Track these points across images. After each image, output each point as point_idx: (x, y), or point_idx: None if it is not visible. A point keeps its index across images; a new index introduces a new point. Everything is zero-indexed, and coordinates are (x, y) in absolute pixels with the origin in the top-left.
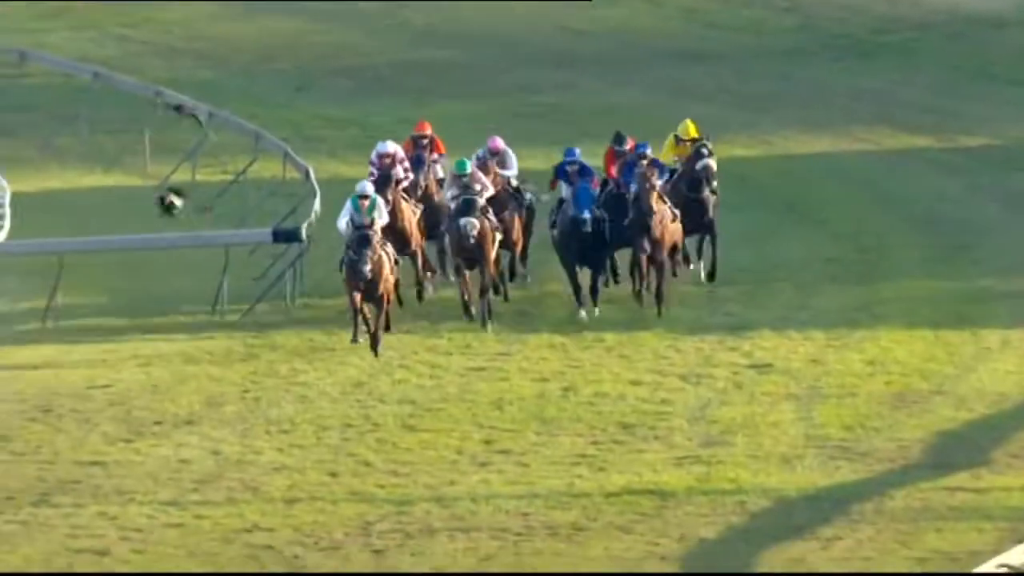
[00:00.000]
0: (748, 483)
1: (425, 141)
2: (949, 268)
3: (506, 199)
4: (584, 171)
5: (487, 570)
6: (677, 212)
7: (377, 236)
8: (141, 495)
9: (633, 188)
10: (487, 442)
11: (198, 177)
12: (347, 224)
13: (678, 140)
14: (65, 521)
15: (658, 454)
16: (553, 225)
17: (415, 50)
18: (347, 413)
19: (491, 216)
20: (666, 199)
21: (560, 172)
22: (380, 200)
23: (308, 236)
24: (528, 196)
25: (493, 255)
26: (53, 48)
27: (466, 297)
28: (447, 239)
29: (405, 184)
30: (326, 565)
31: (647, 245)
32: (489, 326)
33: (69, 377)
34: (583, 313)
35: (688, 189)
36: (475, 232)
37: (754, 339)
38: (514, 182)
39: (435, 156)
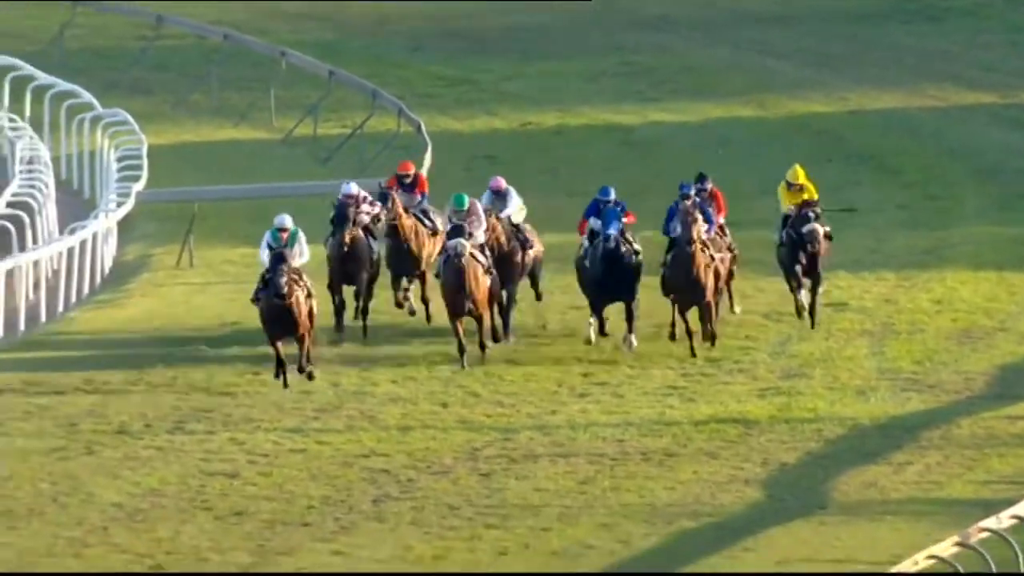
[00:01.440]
0: (825, 412)
1: (408, 180)
2: (1012, 215)
3: (509, 236)
4: (620, 208)
5: (573, 499)
6: (717, 255)
7: (292, 264)
8: (267, 423)
9: (677, 229)
10: (585, 375)
11: (319, 131)
12: (266, 253)
13: (789, 186)
14: (199, 447)
15: (743, 386)
16: (584, 258)
17: (519, 13)
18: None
19: (482, 257)
20: (707, 243)
21: (592, 209)
22: (301, 234)
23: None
24: (531, 238)
25: (483, 295)
26: (187, 12)
27: (460, 339)
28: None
29: (367, 221)
30: (437, 487)
31: (690, 288)
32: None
33: (202, 314)
34: (601, 330)
35: (797, 237)
36: (463, 253)
37: (830, 280)
38: (515, 219)
39: (419, 195)
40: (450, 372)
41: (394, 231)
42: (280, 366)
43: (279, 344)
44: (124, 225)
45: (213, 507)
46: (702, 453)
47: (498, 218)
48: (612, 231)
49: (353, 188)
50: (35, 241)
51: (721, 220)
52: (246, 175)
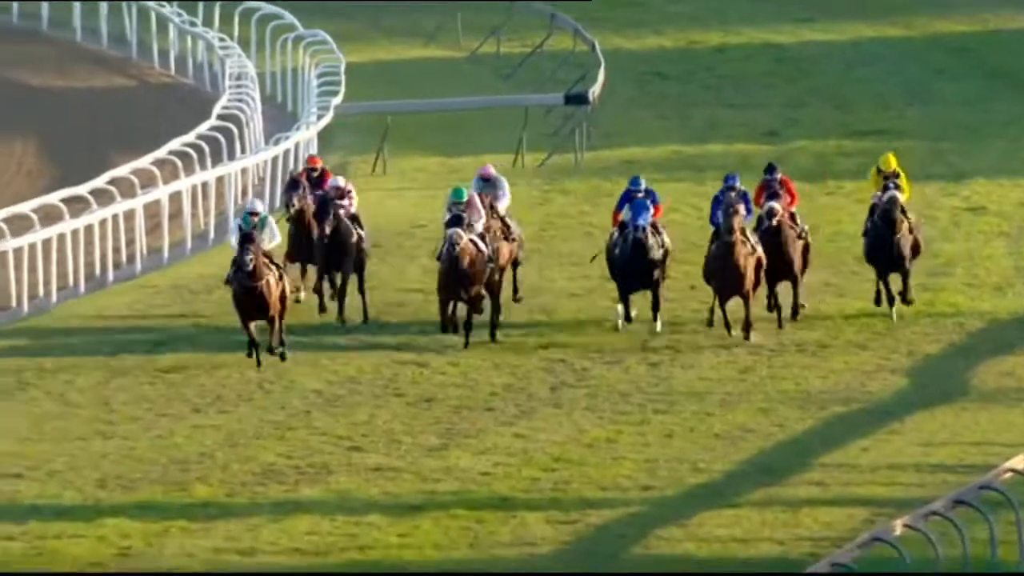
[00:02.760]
0: (966, 307)
1: (316, 174)
2: None
3: (495, 230)
4: (650, 196)
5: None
6: (758, 248)
7: (261, 247)
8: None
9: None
10: None
11: (502, 50)
12: (235, 236)
13: (879, 172)
14: (392, 338)
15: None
16: (613, 247)
17: None
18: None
19: (484, 245)
20: (748, 234)
21: (625, 199)
22: (271, 220)
23: (594, 99)
24: (514, 227)
25: (482, 281)
26: None
27: (449, 318)
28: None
29: (352, 210)
30: (609, 376)
31: (729, 277)
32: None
33: (394, 217)
34: (627, 317)
35: (882, 223)
36: (460, 243)
37: (970, 185)
38: (502, 211)
39: (326, 188)
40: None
41: (300, 216)
42: (253, 347)
43: (251, 325)
44: (324, 136)
45: (405, 393)
46: (852, 345)
47: (496, 217)
48: (641, 222)
49: (340, 181)
50: (243, 151)
51: (793, 209)
52: (435, 90)
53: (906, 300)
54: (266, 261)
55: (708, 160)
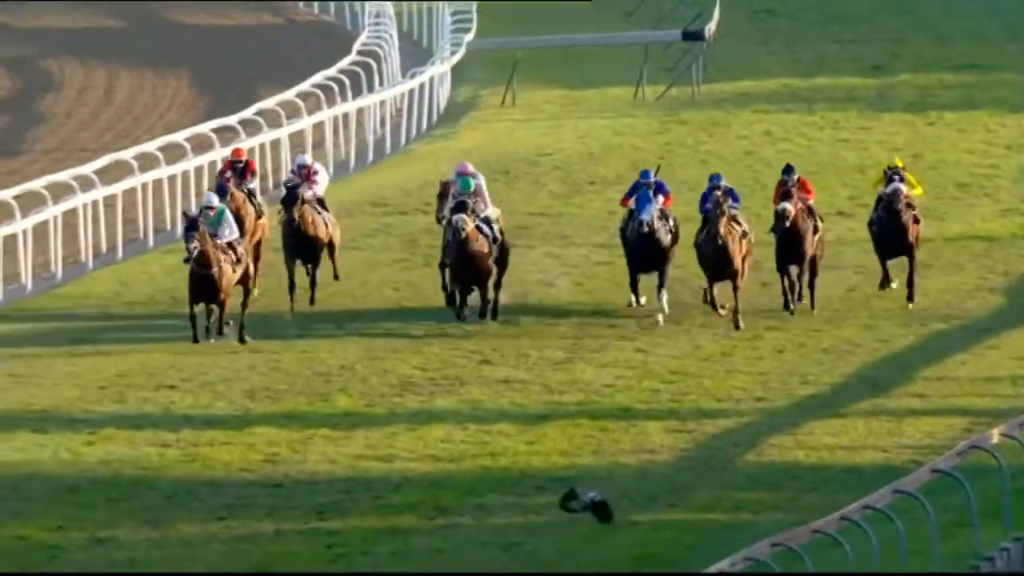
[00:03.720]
0: None
1: (240, 165)
2: None
3: (475, 236)
4: (659, 188)
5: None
6: (748, 233)
7: (220, 238)
8: (578, 239)
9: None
10: (851, 199)
11: None
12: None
13: (888, 170)
14: (521, 259)
15: (987, 207)
16: (623, 231)
17: None
18: (741, 175)
19: (490, 229)
20: (740, 224)
21: (634, 188)
22: (228, 213)
23: (709, 35)
24: (497, 228)
25: (492, 271)
26: None
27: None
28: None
29: (310, 196)
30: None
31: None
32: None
33: (522, 146)
34: (637, 301)
35: (887, 215)
36: (466, 229)
37: None
38: (482, 214)
39: (250, 178)
40: None
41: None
42: (194, 328)
43: (196, 308)
44: (457, 70)
45: (531, 311)
46: (951, 265)
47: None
48: (645, 216)
49: (307, 159)
50: (381, 84)
51: (811, 202)
52: (561, 28)
53: (910, 295)
54: (223, 247)
55: (816, 92)
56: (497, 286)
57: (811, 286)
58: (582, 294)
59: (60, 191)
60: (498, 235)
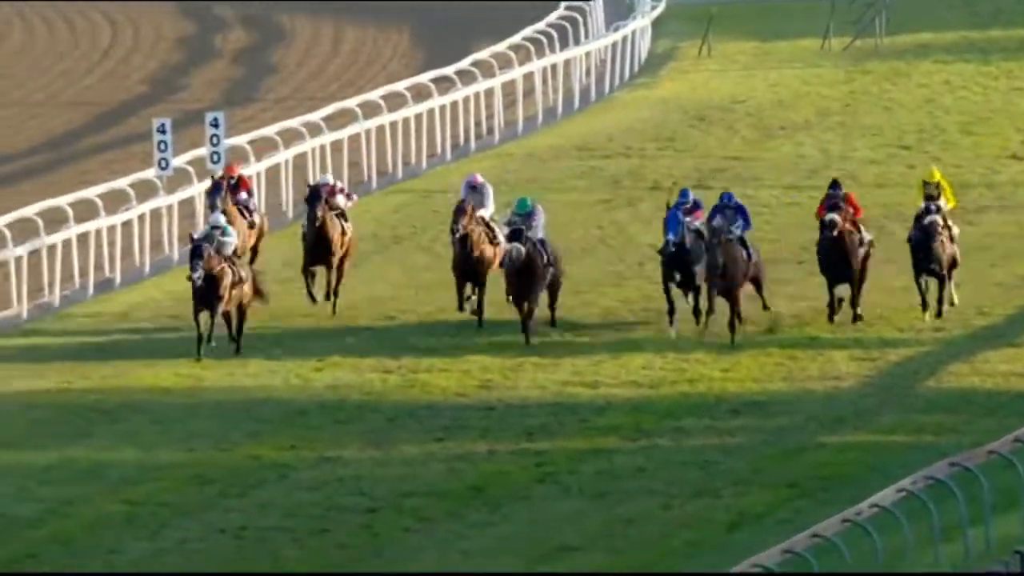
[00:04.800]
0: None
1: (233, 181)
2: None
3: (482, 239)
4: (695, 206)
5: None
6: (752, 251)
7: (218, 252)
8: (770, 181)
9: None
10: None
11: None
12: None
13: (925, 185)
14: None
15: None
16: (661, 251)
17: None
18: (920, 122)
19: (545, 250)
20: (746, 247)
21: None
22: (232, 229)
23: None
24: (499, 233)
25: (539, 289)
26: None
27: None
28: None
29: (341, 205)
30: (905, 234)
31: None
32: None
33: (717, 94)
34: (672, 333)
35: (922, 237)
36: (521, 257)
37: None
38: (487, 217)
39: (244, 194)
40: (915, 141)
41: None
42: (200, 341)
43: (201, 316)
44: (657, 24)
45: None
46: None
47: (482, 222)
48: (671, 237)
49: (329, 179)
50: (586, 36)
51: (858, 219)
52: None
53: (939, 312)
54: (224, 263)
55: (992, 44)
56: (552, 304)
57: (854, 301)
58: (773, 232)
59: (291, 137)
60: (552, 256)
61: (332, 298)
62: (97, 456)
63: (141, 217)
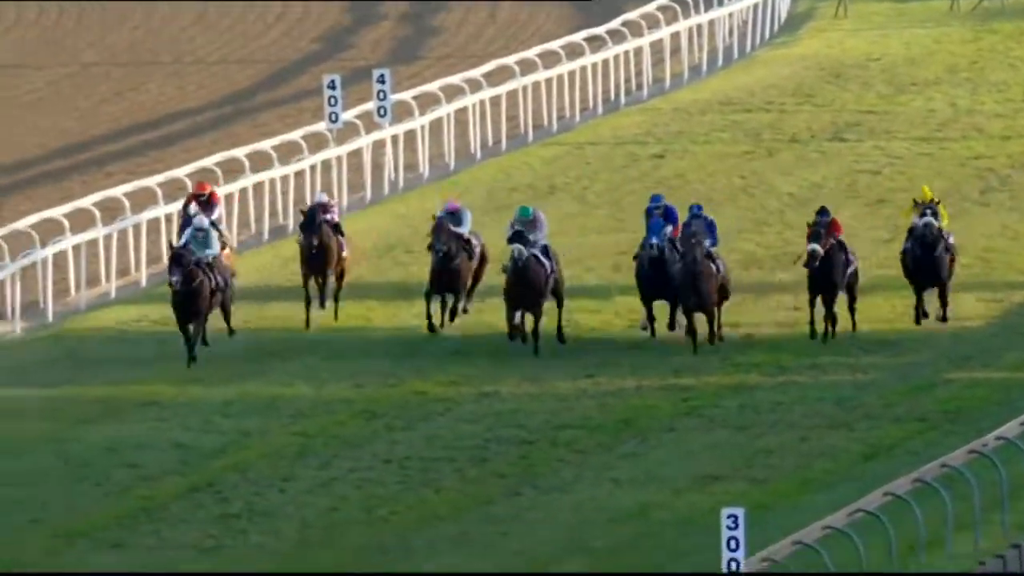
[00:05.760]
0: None
1: (204, 198)
2: None
3: (458, 250)
4: (668, 213)
5: None
6: (720, 265)
7: (195, 257)
8: (902, 133)
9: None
10: None
11: None
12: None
13: (916, 204)
14: (851, 151)
15: None
16: (636, 259)
17: None
18: None
19: (550, 261)
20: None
21: (647, 215)
22: (214, 234)
23: None
24: (477, 246)
25: (540, 294)
26: None
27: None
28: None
29: (335, 221)
30: None
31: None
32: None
33: (853, 52)
34: (652, 336)
35: (920, 247)
36: (524, 256)
37: None
38: (466, 235)
39: (213, 209)
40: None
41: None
42: (188, 345)
43: (189, 327)
44: None
45: (861, 196)
46: None
47: (461, 239)
48: (655, 240)
49: (324, 197)
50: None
51: (841, 237)
52: None
53: (944, 317)
54: (204, 269)
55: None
56: (559, 311)
57: (851, 309)
58: (903, 181)
59: (452, 92)
60: (553, 266)
61: (334, 304)
62: (273, 391)
63: (313, 167)
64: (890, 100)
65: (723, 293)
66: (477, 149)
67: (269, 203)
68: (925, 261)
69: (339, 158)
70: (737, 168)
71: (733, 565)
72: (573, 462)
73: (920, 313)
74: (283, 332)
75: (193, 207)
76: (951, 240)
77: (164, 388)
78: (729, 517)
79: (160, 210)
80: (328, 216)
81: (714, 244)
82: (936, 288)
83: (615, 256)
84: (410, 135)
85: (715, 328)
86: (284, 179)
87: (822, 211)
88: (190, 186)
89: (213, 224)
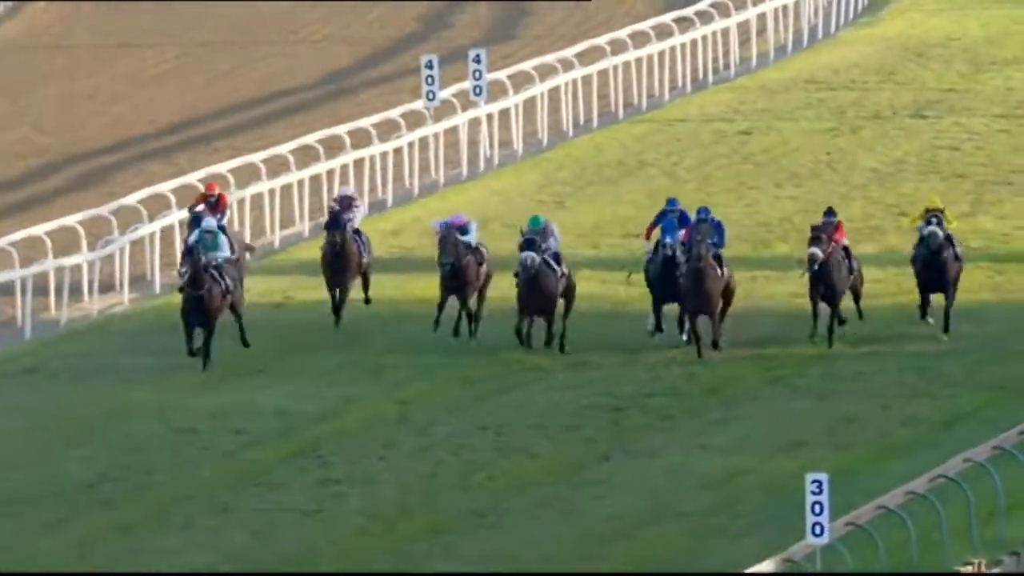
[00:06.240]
0: None
1: (213, 199)
2: None
3: (465, 253)
4: (683, 219)
5: None
6: (726, 270)
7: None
8: (981, 110)
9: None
10: None
11: None
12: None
13: (927, 211)
14: (931, 127)
15: None
16: (649, 262)
17: None
18: None
19: (560, 267)
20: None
21: (660, 218)
22: (223, 236)
23: None
24: (485, 254)
25: (556, 300)
26: None
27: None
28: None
29: (356, 224)
30: None
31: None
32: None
33: (934, 32)
34: (655, 336)
35: (927, 253)
36: (536, 264)
37: None
38: (473, 243)
39: (220, 213)
40: None
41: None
42: (191, 354)
43: (194, 332)
44: None
45: (941, 170)
46: None
47: (468, 249)
48: (669, 240)
49: (348, 190)
50: None
51: (845, 242)
52: None
53: (947, 327)
54: (214, 273)
55: None
56: (564, 317)
57: (832, 317)
58: (982, 156)
59: (546, 71)
60: (565, 271)
61: (365, 295)
62: (374, 360)
63: (411, 144)
64: (970, 79)
65: (727, 297)
66: (569, 126)
67: (368, 179)
68: (932, 267)
69: (436, 135)
70: (822, 144)
71: (817, 529)
72: (662, 429)
73: (925, 312)
74: (384, 303)
75: (201, 207)
76: (959, 248)
77: (268, 357)
78: (813, 482)
79: (263, 185)
80: (351, 214)
81: (721, 246)
82: (943, 292)
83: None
84: (504, 113)
85: (716, 333)
86: (383, 156)
87: (829, 212)
88: (292, 164)
89: (222, 228)
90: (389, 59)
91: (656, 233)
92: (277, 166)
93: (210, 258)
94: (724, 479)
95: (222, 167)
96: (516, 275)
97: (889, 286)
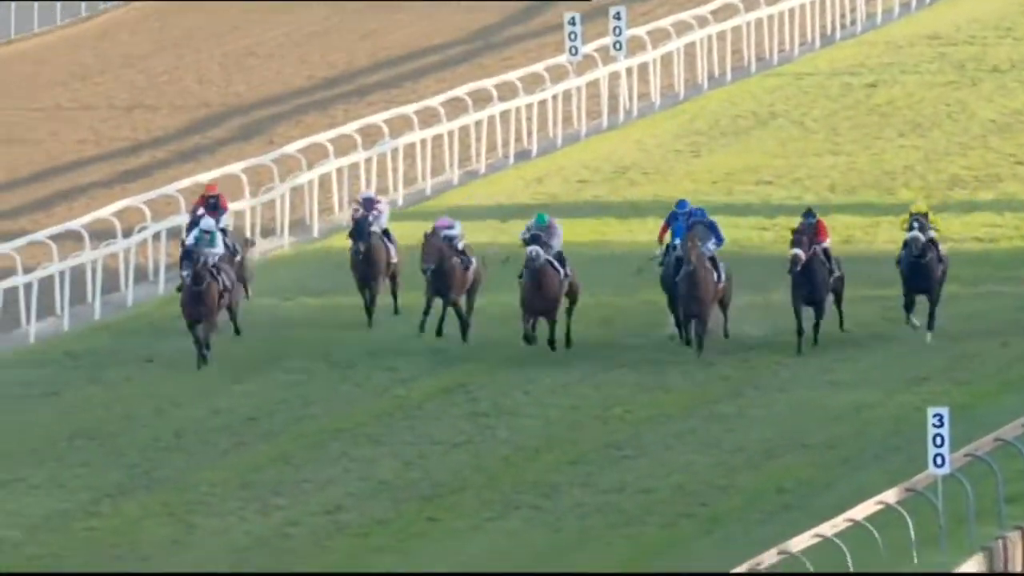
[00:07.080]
0: None
1: (213, 200)
2: None
3: (450, 255)
4: (690, 218)
5: None
6: (722, 271)
7: (204, 256)
8: None
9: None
10: None
11: None
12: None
13: (911, 215)
14: (975, 94)
15: None
16: (661, 264)
17: None
18: None
19: (564, 268)
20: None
21: (670, 220)
22: (219, 235)
23: None
24: (473, 259)
25: (559, 300)
26: None
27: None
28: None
29: (383, 224)
30: None
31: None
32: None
33: (982, 21)
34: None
35: (911, 256)
36: (541, 258)
37: None
38: (459, 246)
39: (221, 212)
40: None
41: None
42: (198, 345)
43: (197, 327)
44: None
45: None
46: None
47: (455, 252)
48: (679, 242)
49: (371, 193)
50: None
51: (827, 244)
52: None
53: (931, 325)
54: (212, 270)
55: None
56: (569, 317)
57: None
58: None
59: (682, 28)
60: (568, 272)
61: (393, 301)
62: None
63: (554, 97)
64: None
65: (721, 300)
66: (704, 80)
67: (515, 129)
68: (915, 269)
69: (578, 88)
70: (943, 96)
71: (939, 460)
72: (791, 366)
73: (909, 314)
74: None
75: (201, 209)
76: (943, 250)
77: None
78: (935, 416)
79: (416, 135)
80: (375, 214)
81: (719, 244)
82: (927, 294)
83: (831, 177)
84: (643, 67)
85: (702, 335)
86: (528, 107)
87: (807, 213)
88: (443, 115)
89: (222, 231)
90: (534, 16)
91: (667, 237)
92: (428, 117)
93: (208, 256)
94: (850, 412)
95: (376, 118)
96: (520, 277)
97: (1007, 230)
